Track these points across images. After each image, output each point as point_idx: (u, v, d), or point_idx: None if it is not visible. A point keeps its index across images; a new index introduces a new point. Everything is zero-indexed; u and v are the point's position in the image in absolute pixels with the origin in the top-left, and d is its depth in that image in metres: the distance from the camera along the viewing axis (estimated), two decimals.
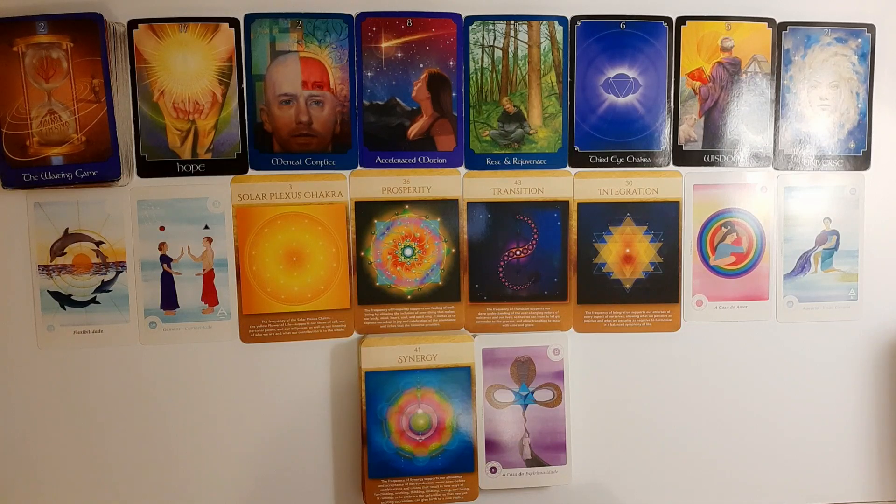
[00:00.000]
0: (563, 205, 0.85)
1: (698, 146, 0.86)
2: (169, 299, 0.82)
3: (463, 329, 0.86)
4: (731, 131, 0.86)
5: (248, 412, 0.84)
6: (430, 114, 0.83)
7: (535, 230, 0.85)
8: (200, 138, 0.81)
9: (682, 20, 0.85)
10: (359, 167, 0.83)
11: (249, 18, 0.80)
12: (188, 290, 0.82)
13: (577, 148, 0.85)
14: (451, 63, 0.83)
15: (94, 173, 0.76)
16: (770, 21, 0.85)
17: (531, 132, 0.84)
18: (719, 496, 0.90)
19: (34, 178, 0.75)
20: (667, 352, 0.88)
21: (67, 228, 0.80)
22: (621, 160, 0.85)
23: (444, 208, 0.84)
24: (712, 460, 0.89)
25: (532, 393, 0.85)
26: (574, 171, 0.85)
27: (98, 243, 0.80)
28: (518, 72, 0.84)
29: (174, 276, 0.81)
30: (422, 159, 0.84)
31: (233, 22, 0.80)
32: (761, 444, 0.89)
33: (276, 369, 0.84)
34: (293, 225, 0.83)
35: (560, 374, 0.85)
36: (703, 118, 0.86)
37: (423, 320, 0.85)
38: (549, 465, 0.85)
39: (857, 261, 0.89)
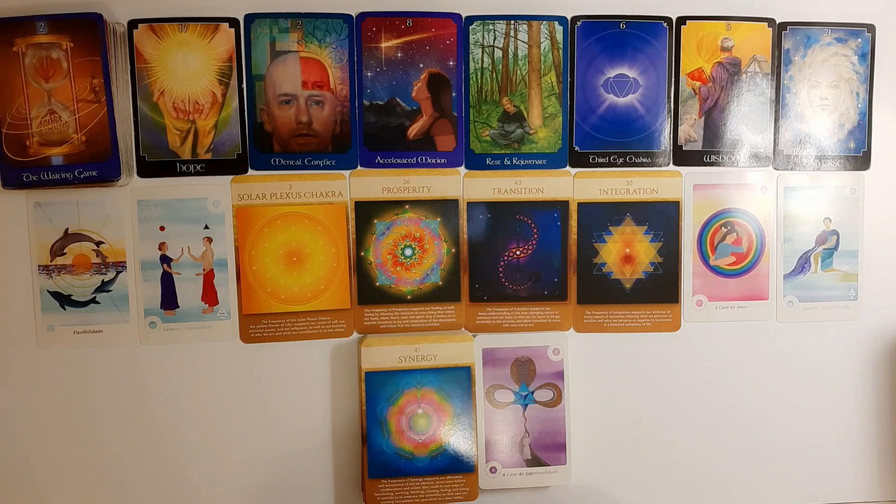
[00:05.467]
0: (563, 205, 0.85)
1: (698, 146, 0.86)
2: (169, 299, 0.82)
3: (463, 329, 0.86)
4: (731, 131, 0.86)
5: (247, 412, 0.84)
6: (430, 114, 0.83)
7: (535, 230, 0.85)
8: (200, 138, 0.81)
9: (682, 20, 0.85)
10: (359, 167, 0.83)
11: (249, 18, 0.80)
12: (188, 290, 0.82)
13: (577, 148, 0.85)
14: (451, 63, 0.83)
15: (94, 173, 0.76)
16: (770, 21, 0.85)
17: (531, 132, 0.84)
18: (719, 496, 0.90)
19: (34, 178, 0.75)
20: (667, 352, 0.88)
21: (67, 228, 0.80)
22: (621, 160, 0.85)
23: (444, 208, 0.84)
24: (712, 460, 0.89)
25: (532, 393, 0.85)
26: (574, 171, 0.85)
27: (98, 243, 0.80)
28: (518, 72, 0.84)
29: (174, 276, 0.81)
30: (422, 159, 0.84)
31: (233, 22, 0.80)
32: (761, 444, 0.89)
33: (276, 369, 0.84)
34: (293, 225, 0.83)
35: (560, 374, 0.85)
36: (703, 118, 0.86)
37: (423, 320, 0.85)
38: (549, 465, 0.85)
39: (857, 261, 0.89)
